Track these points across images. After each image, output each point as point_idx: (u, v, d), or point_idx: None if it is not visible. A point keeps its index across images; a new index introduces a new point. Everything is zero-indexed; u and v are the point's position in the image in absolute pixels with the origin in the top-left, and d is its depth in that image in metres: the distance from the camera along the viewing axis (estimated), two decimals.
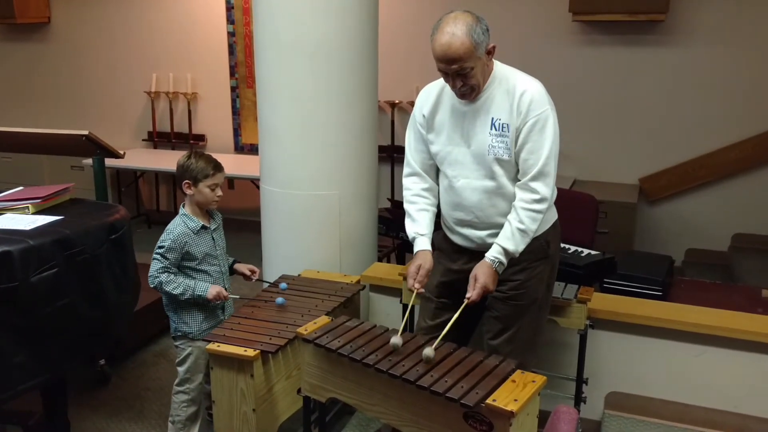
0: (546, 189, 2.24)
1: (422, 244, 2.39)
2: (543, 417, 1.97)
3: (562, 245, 3.17)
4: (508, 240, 2.24)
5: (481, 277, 2.22)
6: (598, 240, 3.81)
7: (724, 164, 4.65)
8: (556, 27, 4.83)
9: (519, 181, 2.28)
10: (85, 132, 3.36)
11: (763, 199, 4.62)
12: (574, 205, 3.68)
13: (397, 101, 5.25)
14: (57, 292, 2.35)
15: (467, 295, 2.22)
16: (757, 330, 2.63)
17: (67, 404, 2.77)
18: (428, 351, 2.02)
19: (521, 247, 2.25)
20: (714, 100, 4.62)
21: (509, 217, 2.27)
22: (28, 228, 2.42)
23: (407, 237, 2.45)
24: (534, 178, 2.23)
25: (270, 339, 2.46)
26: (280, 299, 2.75)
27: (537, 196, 2.24)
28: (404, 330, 2.20)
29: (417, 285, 2.30)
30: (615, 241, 4.27)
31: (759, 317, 2.80)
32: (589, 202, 3.74)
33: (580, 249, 3.15)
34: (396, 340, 2.10)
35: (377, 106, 3.35)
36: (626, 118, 4.82)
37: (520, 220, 2.24)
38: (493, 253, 2.25)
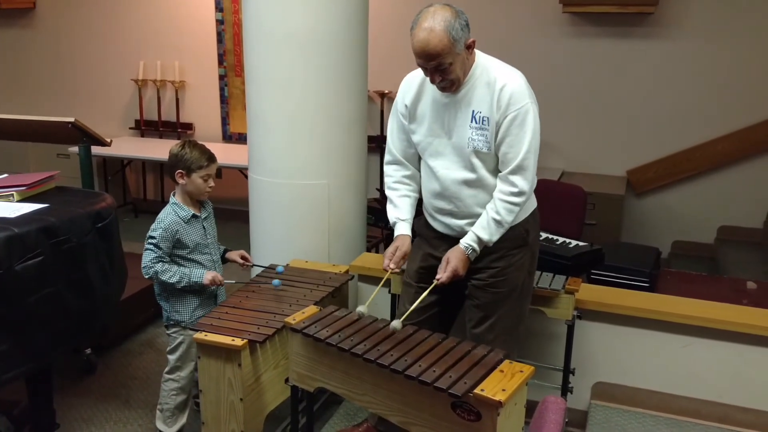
0: (524, 183, 2.26)
1: (402, 228, 2.46)
2: (530, 407, 1.98)
3: (551, 236, 3.19)
4: (483, 229, 2.28)
5: (453, 261, 2.28)
6: (586, 231, 3.83)
7: (710, 157, 4.69)
8: (546, 18, 4.83)
9: (500, 172, 2.31)
10: (72, 119, 3.31)
11: (749, 192, 4.66)
12: (563, 196, 3.69)
13: (386, 91, 5.24)
14: (42, 281, 2.33)
15: (437, 276, 2.28)
16: (741, 321, 2.66)
17: (52, 393, 2.75)
18: (396, 323, 2.08)
19: (495, 237, 2.29)
20: (701, 93, 4.64)
21: (487, 206, 2.31)
22: (12, 216, 2.39)
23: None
24: (513, 172, 2.26)
25: (258, 328, 2.45)
26: (276, 281, 2.75)
27: (515, 189, 2.26)
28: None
29: (392, 265, 2.36)
30: (602, 232, 4.30)
31: (744, 308, 2.83)
32: (578, 194, 3.75)
33: (568, 240, 3.16)
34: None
35: (367, 95, 3.33)
36: (614, 110, 4.84)
37: (497, 211, 2.27)
38: (468, 241, 2.30)
